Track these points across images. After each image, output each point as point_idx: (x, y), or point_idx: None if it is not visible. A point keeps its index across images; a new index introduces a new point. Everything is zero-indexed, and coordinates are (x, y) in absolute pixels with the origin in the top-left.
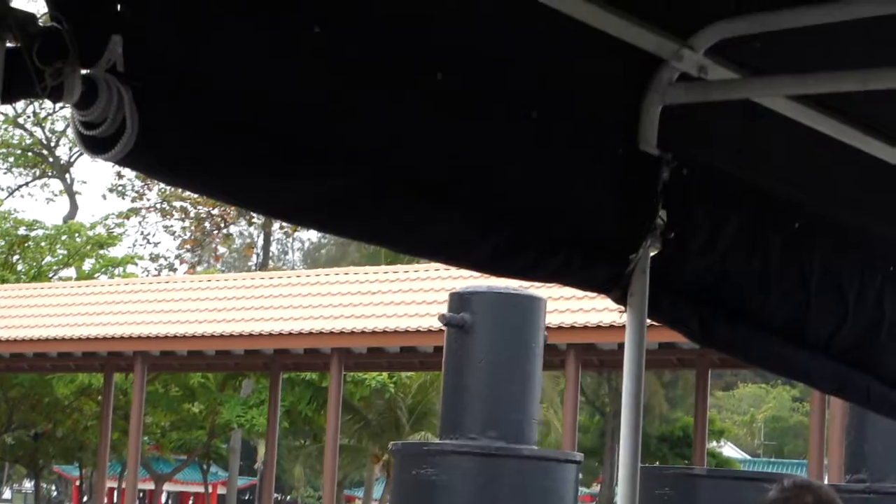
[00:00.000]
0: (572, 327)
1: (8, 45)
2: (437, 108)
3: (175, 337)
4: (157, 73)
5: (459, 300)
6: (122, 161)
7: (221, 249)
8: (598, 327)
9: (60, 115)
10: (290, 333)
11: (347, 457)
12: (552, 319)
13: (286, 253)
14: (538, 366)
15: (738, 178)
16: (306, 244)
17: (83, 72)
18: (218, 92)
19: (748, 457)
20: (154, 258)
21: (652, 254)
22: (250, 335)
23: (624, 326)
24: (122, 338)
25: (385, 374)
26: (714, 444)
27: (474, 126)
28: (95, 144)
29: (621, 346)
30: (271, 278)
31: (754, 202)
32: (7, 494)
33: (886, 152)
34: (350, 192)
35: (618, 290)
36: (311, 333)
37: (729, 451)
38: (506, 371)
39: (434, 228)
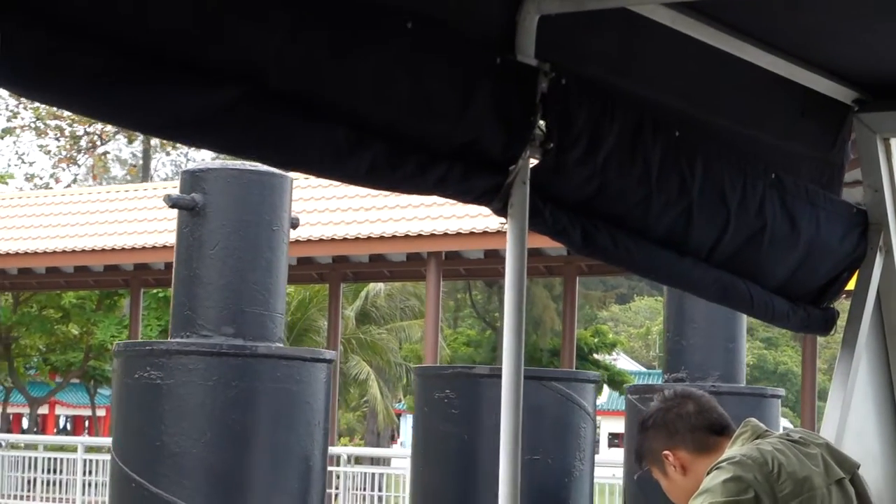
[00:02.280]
0: (432, 235)
1: None
2: (311, 21)
3: (33, 254)
4: None
5: (191, 179)
6: None
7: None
8: (459, 234)
9: None
10: (153, 247)
11: None
12: (412, 227)
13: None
14: (283, 253)
15: (618, 88)
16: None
17: None
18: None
19: (644, 369)
20: (29, 178)
21: (532, 164)
22: (111, 250)
23: (486, 233)
24: None
25: None
26: (608, 356)
27: (348, 38)
28: None
29: (487, 253)
30: (136, 190)
31: (634, 111)
32: None
33: (765, 59)
34: (226, 108)
35: (498, 202)
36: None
37: (624, 363)
38: (244, 259)
39: (311, 142)
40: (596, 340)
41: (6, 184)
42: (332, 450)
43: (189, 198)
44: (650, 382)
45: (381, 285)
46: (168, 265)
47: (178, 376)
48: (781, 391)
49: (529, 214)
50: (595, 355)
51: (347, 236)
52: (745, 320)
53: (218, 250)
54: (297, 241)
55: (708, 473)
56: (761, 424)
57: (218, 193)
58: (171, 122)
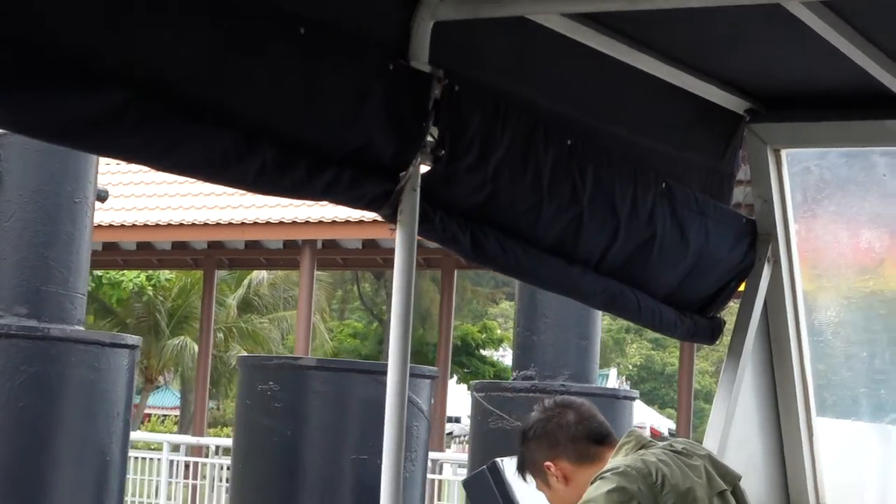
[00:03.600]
0: (307, 222)
1: None
2: (202, 24)
3: None
4: None
5: None
6: None
7: None
8: (335, 223)
9: None
10: None
11: None
12: (288, 214)
13: None
14: (85, 228)
15: (511, 95)
16: None
17: None
18: None
19: None
20: None
21: (423, 171)
22: None
23: (363, 222)
24: None
25: (143, 276)
26: (495, 352)
27: (240, 42)
28: None
29: (365, 243)
30: None
31: (527, 119)
32: None
33: (661, 69)
34: (113, 113)
35: (388, 208)
36: None
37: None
38: (41, 233)
39: (198, 147)
40: (483, 336)
41: None
42: (202, 440)
43: None
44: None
45: (263, 274)
46: None
47: None
48: (635, 393)
49: (419, 221)
50: (482, 351)
51: (221, 221)
52: (599, 316)
53: (13, 222)
54: (171, 225)
55: (592, 483)
56: (645, 434)
57: (16, 160)
58: (59, 128)
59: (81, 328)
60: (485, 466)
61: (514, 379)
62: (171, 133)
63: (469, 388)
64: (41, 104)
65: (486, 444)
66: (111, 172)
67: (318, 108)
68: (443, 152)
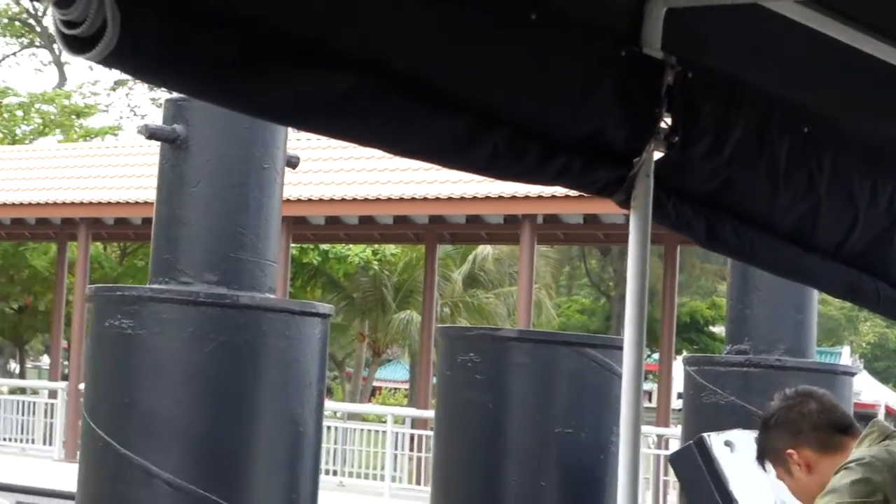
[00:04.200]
0: (527, 197)
1: None
2: (434, 9)
3: (133, 203)
4: None
5: (174, 109)
6: (104, 62)
7: None
8: (555, 197)
9: None
10: None
11: (333, 334)
12: (508, 188)
13: None
14: (275, 194)
15: (745, 82)
16: None
17: None
18: None
19: None
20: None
21: (656, 157)
22: None
23: (584, 196)
24: (64, 203)
25: (369, 251)
26: (723, 329)
27: (472, 28)
28: (76, 44)
29: (587, 218)
30: None
31: (761, 106)
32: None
33: (893, 54)
34: (350, 97)
35: (621, 194)
36: None
37: None
38: (230, 200)
39: (432, 130)
40: (713, 313)
41: (116, 136)
42: (424, 413)
43: (170, 129)
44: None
45: (488, 249)
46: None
47: (150, 326)
48: (856, 368)
49: (653, 207)
50: (711, 328)
51: (441, 196)
52: (815, 290)
53: (200, 188)
54: (391, 199)
55: (835, 473)
56: (889, 425)
57: (202, 125)
58: (294, 109)
59: (272, 296)
60: (691, 442)
61: (727, 353)
62: (405, 116)
63: (683, 363)
64: (278, 87)
65: (698, 419)
66: (332, 147)
67: (549, 95)
68: (676, 139)
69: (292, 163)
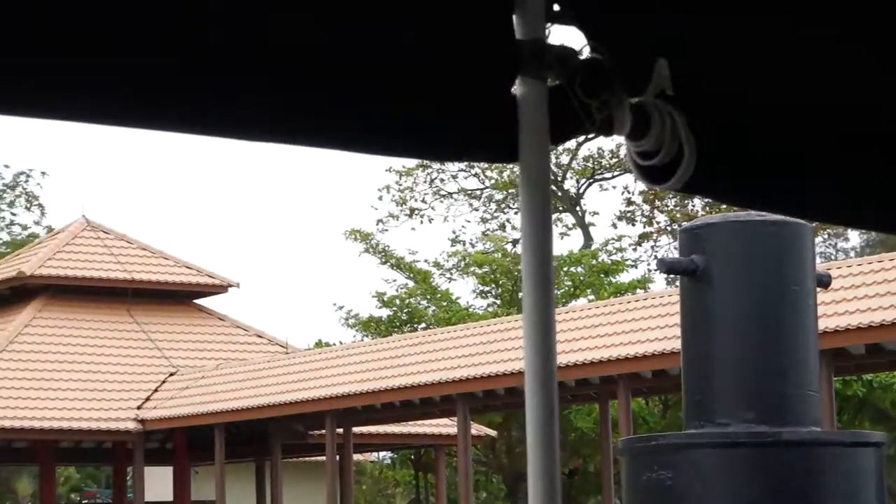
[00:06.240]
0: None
1: (549, 83)
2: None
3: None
4: (707, 93)
5: (689, 239)
6: (685, 188)
7: None
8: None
9: (563, 149)
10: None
11: (888, 466)
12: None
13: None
14: (808, 317)
15: None
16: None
17: (631, 100)
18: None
19: None
20: (671, 281)
21: None
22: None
23: None
24: (601, 361)
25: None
26: None
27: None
28: (654, 174)
29: None
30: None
31: None
32: None
33: None
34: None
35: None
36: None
37: None
38: (760, 329)
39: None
40: None
41: (645, 289)
42: None
43: (687, 260)
44: None
45: None
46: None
47: (688, 475)
48: None
49: None
50: None
51: None
52: None
53: (727, 319)
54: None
55: None
56: None
57: (722, 251)
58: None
59: (817, 428)
60: None
61: None
62: None
63: None
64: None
65: None
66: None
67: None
68: None
69: (823, 282)
